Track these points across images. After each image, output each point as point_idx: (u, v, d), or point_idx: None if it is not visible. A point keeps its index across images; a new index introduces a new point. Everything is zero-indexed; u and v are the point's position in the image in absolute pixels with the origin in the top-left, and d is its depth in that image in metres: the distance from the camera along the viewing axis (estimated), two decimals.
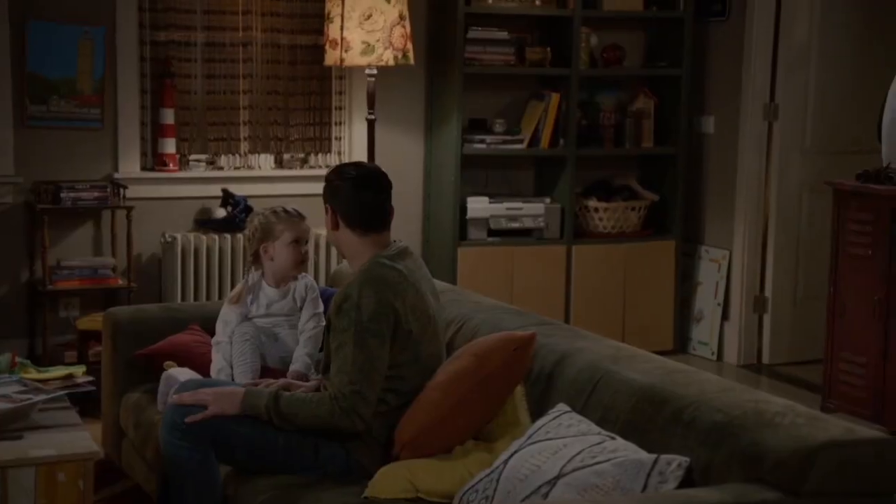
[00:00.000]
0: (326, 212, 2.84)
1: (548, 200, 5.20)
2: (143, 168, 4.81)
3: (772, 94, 5.22)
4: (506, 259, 5.10)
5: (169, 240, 4.74)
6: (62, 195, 4.56)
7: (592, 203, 5.28)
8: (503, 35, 5.11)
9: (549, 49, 5.15)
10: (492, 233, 5.14)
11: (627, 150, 5.39)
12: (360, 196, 2.79)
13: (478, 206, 5.10)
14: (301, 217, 3.29)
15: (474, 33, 5.04)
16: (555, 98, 5.13)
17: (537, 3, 5.10)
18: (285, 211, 3.28)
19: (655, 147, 5.41)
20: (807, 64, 5.22)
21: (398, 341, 2.69)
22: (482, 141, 5.10)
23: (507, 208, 5.14)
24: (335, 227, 2.82)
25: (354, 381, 2.61)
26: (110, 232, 4.74)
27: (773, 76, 5.20)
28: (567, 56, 5.13)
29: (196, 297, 4.73)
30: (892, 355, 4.14)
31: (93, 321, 4.35)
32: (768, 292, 5.31)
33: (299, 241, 3.26)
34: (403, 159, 5.15)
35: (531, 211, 5.14)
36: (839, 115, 5.26)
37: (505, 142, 5.14)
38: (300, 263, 3.28)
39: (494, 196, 5.19)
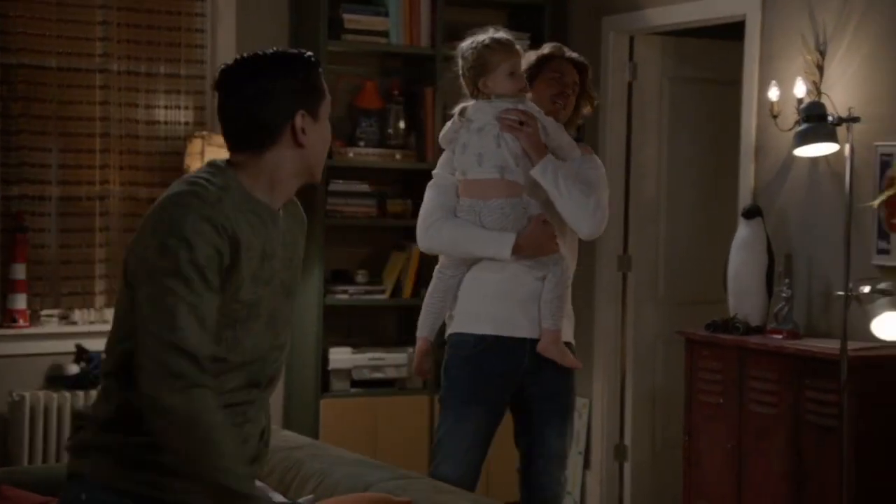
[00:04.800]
0: None
1: (411, 350, 5.20)
2: None
3: (625, 247, 5.39)
4: (369, 410, 5.06)
5: (16, 399, 4.56)
6: None
7: None
8: (364, 188, 5.19)
9: (409, 201, 5.23)
10: (355, 384, 5.11)
11: None
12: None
13: (340, 356, 5.07)
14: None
15: (336, 186, 5.10)
16: (416, 249, 5.19)
17: (397, 157, 5.21)
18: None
19: None
20: (656, 218, 5.43)
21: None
22: (344, 292, 5.11)
23: (370, 358, 5.13)
24: None
25: None
26: None
27: (626, 229, 5.39)
28: None
29: (45, 460, 4.53)
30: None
31: None
32: (628, 440, 5.38)
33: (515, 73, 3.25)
34: None
35: (394, 361, 5.14)
36: (689, 267, 5.45)
37: (367, 292, 5.16)
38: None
39: (357, 346, 5.18)
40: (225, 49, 4.99)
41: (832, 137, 4.02)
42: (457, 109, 3.31)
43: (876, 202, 4.08)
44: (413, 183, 5.31)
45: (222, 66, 2.25)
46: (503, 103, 3.24)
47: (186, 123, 4.98)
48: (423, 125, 5.22)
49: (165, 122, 4.96)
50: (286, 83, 2.21)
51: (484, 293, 3.31)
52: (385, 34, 5.11)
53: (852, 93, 4.23)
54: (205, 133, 4.76)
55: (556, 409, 3.42)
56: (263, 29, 5.08)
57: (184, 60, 4.97)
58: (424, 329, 3.40)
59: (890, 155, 4.11)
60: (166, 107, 4.95)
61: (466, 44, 3.26)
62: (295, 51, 2.29)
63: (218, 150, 4.61)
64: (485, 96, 3.25)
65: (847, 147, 3.93)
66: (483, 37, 3.24)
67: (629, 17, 5.24)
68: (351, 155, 5.13)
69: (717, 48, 5.36)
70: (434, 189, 3.36)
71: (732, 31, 4.88)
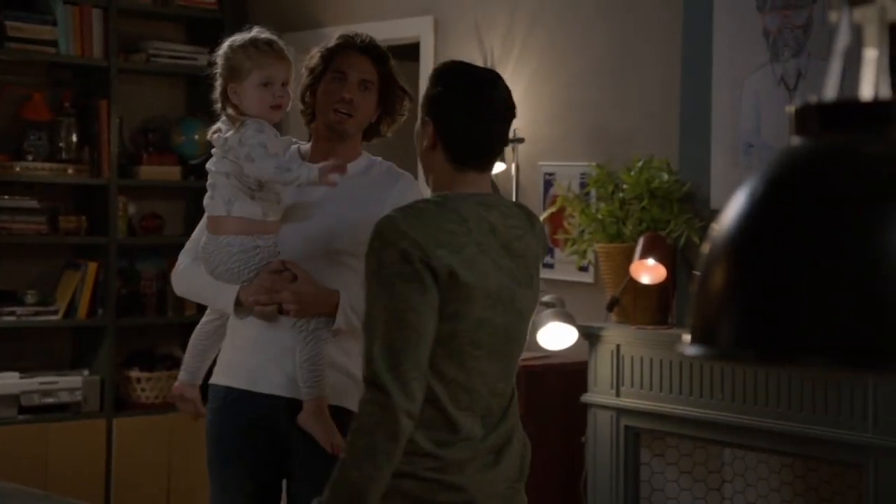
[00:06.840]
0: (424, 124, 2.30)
1: (86, 372, 5.00)
2: None
3: None
4: (40, 438, 4.81)
5: None
6: None
7: (135, 373, 5.14)
8: (33, 204, 4.93)
9: (84, 218, 5.03)
10: (23, 410, 4.84)
11: (170, 318, 5.33)
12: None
13: (7, 381, 4.79)
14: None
15: (1, 202, 4.82)
16: (92, 267, 5.00)
17: (70, 171, 4.99)
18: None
19: (199, 314, 5.39)
20: None
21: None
22: (12, 313, 4.84)
23: (41, 383, 4.89)
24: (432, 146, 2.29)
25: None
26: None
27: None
28: (104, 225, 5.04)
29: None
30: None
31: None
32: None
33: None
34: None
35: (68, 384, 4.92)
36: None
37: (37, 313, 4.92)
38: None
39: (27, 370, 4.92)
40: None
41: (500, 158, 4.21)
42: (213, 129, 2.69)
43: (541, 218, 4.32)
44: (88, 198, 5.10)
45: (506, 92, 2.38)
46: (242, 128, 2.58)
47: None
48: (97, 139, 5.02)
49: None
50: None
51: (237, 343, 2.75)
52: (54, 44, 4.88)
53: (518, 115, 4.44)
54: None
55: (314, 493, 2.39)
56: None
57: None
58: (181, 374, 2.90)
59: (553, 174, 4.36)
60: None
61: (224, 44, 2.64)
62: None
63: None
64: (236, 110, 2.59)
65: (514, 166, 4.13)
66: (241, 36, 2.64)
67: (310, 34, 5.27)
68: (18, 169, 4.87)
69: (398, 69, 5.48)
70: (198, 226, 2.81)
71: (410, 53, 5.01)
